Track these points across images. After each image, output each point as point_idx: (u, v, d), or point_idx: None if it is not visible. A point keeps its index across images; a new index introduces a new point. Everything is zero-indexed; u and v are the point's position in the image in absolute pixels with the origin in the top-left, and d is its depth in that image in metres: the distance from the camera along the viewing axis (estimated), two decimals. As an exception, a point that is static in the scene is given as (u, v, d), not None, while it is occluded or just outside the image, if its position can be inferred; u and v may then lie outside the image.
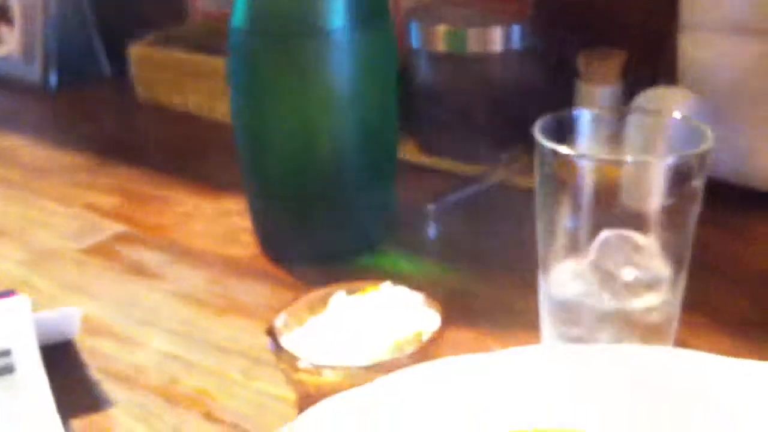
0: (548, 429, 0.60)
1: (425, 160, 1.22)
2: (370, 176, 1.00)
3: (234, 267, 1.01)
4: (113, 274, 1.01)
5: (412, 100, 1.19)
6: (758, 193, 1.05)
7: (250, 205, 1.03)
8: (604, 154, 0.76)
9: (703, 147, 0.70)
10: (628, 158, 0.74)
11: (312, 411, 0.64)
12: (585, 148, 0.77)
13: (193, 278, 1.00)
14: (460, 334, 0.80)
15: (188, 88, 1.50)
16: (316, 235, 1.00)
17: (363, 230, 1.01)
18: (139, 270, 1.02)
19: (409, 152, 1.21)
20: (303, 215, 0.99)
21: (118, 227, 1.12)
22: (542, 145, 0.73)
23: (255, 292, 0.95)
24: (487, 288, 0.92)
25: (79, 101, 1.62)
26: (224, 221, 1.12)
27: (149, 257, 1.05)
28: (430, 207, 1.09)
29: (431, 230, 1.08)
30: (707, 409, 0.64)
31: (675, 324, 0.77)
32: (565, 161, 0.72)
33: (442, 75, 1.21)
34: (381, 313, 0.77)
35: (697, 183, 0.71)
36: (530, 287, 0.80)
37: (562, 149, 0.71)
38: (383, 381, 0.67)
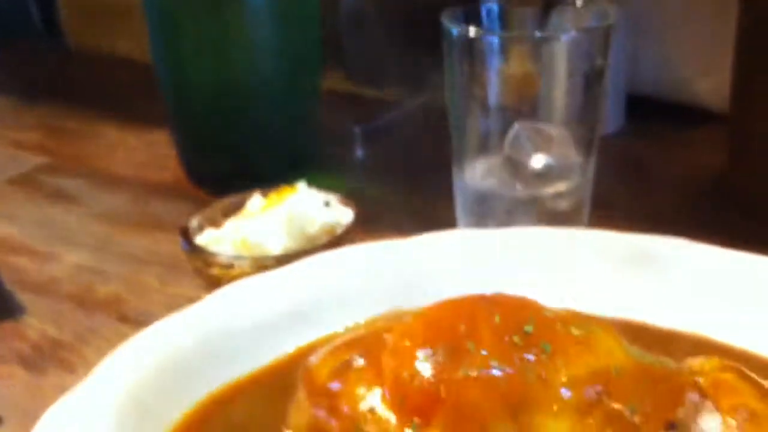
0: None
1: (353, 87, 1.22)
2: (291, 99, 0.99)
3: (155, 189, 1.01)
4: (33, 200, 1.00)
5: (338, 29, 1.18)
6: (679, 104, 1.06)
7: (173, 131, 1.02)
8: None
9: (605, 23, 0.70)
10: (536, 33, 0.73)
11: (219, 292, 0.64)
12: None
13: (112, 200, 0.99)
14: (377, 234, 0.80)
15: (118, 34, 1.48)
16: (238, 157, 0.99)
17: (285, 152, 1.01)
18: (58, 196, 1.01)
19: (337, 81, 1.20)
20: (225, 137, 0.98)
21: (41, 159, 1.11)
22: (449, 32, 0.73)
23: (176, 211, 0.94)
24: (407, 198, 0.92)
25: (10, 51, 1.59)
26: (149, 150, 1.11)
27: (69, 184, 1.04)
28: (357, 129, 1.09)
29: (358, 151, 1.07)
30: (604, 281, 0.65)
31: (585, 211, 0.77)
32: (473, 47, 0.72)
33: (366, 4, 1.21)
34: (296, 211, 0.77)
35: (601, 62, 0.72)
36: (450, 197, 0.80)
37: (471, 30, 0.71)
38: (292, 267, 0.67)
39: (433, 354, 0.46)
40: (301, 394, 0.51)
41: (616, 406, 0.43)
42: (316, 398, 0.49)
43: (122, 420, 0.52)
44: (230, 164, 1.00)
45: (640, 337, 0.53)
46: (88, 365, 0.68)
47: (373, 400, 0.46)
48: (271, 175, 0.94)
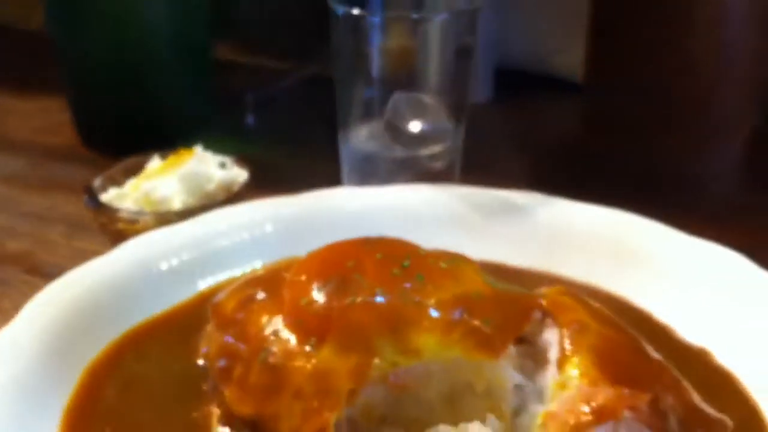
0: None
1: (244, 57, 1.28)
2: (182, 67, 1.05)
3: (53, 153, 1.05)
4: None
5: (229, 2, 1.24)
6: (542, 76, 1.17)
7: (69, 98, 1.06)
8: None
9: (473, 7, 0.80)
10: (412, 14, 0.82)
11: (130, 241, 0.70)
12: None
13: (11, 163, 1.03)
14: (269, 192, 0.87)
15: (7, 2, 1.49)
16: (132, 123, 1.04)
17: (179, 117, 1.06)
18: (-44, 159, 1.04)
19: (231, 50, 1.26)
20: (119, 104, 1.03)
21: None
22: (335, 11, 0.81)
23: (74, 173, 0.99)
24: (297, 161, 0.99)
25: None
26: (43, 116, 1.15)
27: (-33, 148, 1.06)
28: (249, 97, 1.16)
29: (249, 118, 1.14)
30: (471, 229, 0.75)
31: (457, 171, 0.87)
32: (357, 25, 0.80)
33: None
34: (194, 171, 0.83)
35: (470, 40, 0.81)
36: (335, 158, 0.88)
37: (355, 11, 0.79)
38: (193, 220, 0.74)
39: (325, 285, 0.54)
40: (211, 327, 0.59)
41: (476, 323, 0.53)
42: (224, 328, 0.57)
43: (44, 359, 0.59)
44: (124, 129, 1.05)
45: (498, 273, 0.63)
46: (4, 314, 0.74)
47: (275, 324, 0.54)
48: (166, 139, 0.99)
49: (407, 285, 0.54)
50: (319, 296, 0.54)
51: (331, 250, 0.59)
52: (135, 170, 0.86)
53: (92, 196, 0.81)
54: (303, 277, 0.56)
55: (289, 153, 1.02)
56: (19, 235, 0.88)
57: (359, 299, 0.53)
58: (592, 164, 0.98)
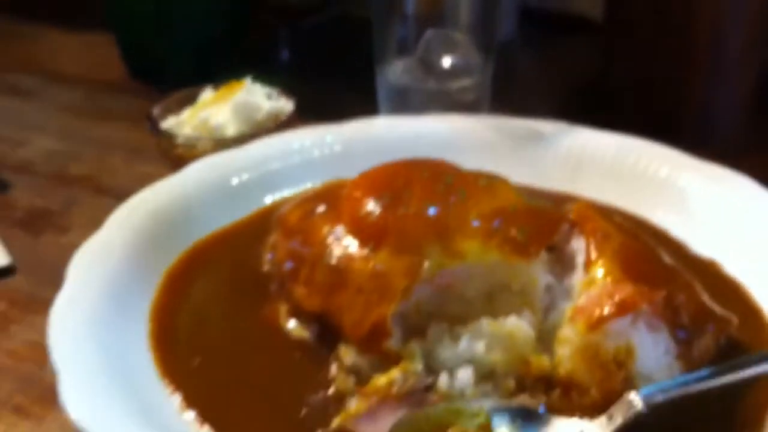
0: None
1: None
2: (225, 6, 1.11)
3: (104, 86, 1.12)
4: (-9, 96, 1.09)
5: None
6: (563, 15, 1.23)
7: (117, 33, 1.13)
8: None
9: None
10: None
11: (188, 168, 0.78)
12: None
13: (67, 95, 1.10)
14: (313, 121, 0.94)
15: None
16: (180, 57, 1.11)
17: (222, 48, 1.13)
18: (15, 92, 1.11)
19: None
20: (164, 38, 1.10)
21: (-10, 59, 1.20)
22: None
23: (127, 104, 1.07)
24: (336, 92, 1.06)
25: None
26: (91, 51, 1.22)
27: (23, 81, 1.14)
28: (283, 32, 1.22)
29: (284, 53, 1.21)
30: (503, 154, 0.82)
31: (486, 102, 0.94)
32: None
33: None
34: (245, 101, 0.91)
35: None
36: (370, 90, 0.94)
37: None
38: (249, 146, 0.82)
39: (380, 199, 0.62)
40: (277, 236, 0.67)
41: (512, 231, 0.61)
42: (290, 236, 0.65)
43: (129, 263, 0.67)
44: (169, 63, 1.12)
45: (529, 194, 0.71)
46: (79, 228, 0.82)
47: (337, 232, 0.62)
48: (208, 71, 1.06)
49: (451, 199, 0.62)
50: (375, 208, 0.62)
51: (383, 170, 0.66)
52: (189, 101, 0.93)
53: (153, 123, 0.89)
54: (358, 193, 0.64)
55: (328, 85, 1.08)
56: (83, 160, 0.95)
57: (411, 210, 0.61)
58: (611, 98, 1.04)
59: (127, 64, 1.15)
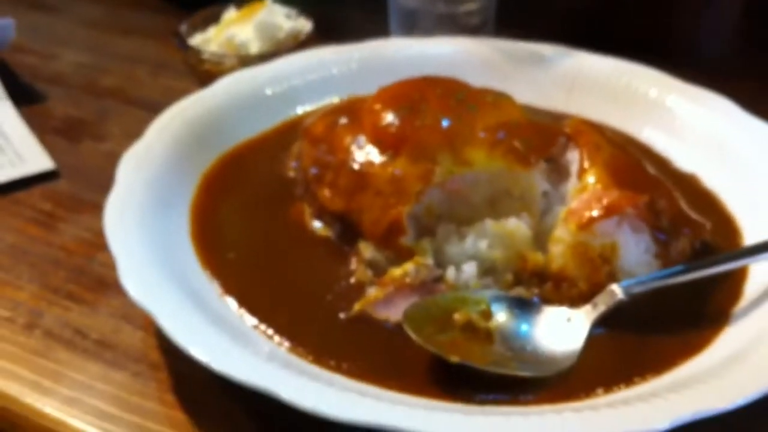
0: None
1: None
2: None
3: (128, 2, 1.17)
4: (18, 9, 1.14)
5: None
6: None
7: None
8: None
9: None
10: None
11: (218, 82, 0.84)
12: None
13: (92, 10, 1.16)
14: (330, 40, 0.99)
15: None
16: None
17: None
18: (41, 6, 1.16)
19: None
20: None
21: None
22: None
23: (153, 21, 1.12)
24: (349, 13, 1.11)
25: None
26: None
27: (48, -6, 1.19)
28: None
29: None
30: (506, 74, 0.89)
31: (491, 27, 1.00)
32: None
33: None
34: (267, 20, 0.97)
35: None
36: (381, 12, 1.00)
37: None
38: (272, 63, 0.88)
39: (398, 112, 0.70)
40: (301, 145, 0.75)
41: (514, 142, 0.68)
42: (316, 144, 0.73)
43: (170, 166, 0.74)
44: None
45: (529, 111, 0.78)
46: (114, 136, 0.90)
47: (359, 141, 0.70)
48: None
49: (462, 113, 0.70)
50: (394, 120, 0.69)
51: (400, 86, 0.73)
52: (213, 19, 0.99)
53: (181, 40, 0.95)
54: (378, 106, 0.71)
55: (342, 6, 1.13)
56: (111, 73, 1.02)
57: (426, 122, 0.68)
58: (608, 22, 1.10)
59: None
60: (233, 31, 0.95)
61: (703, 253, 0.68)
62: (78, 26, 1.12)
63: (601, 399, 0.57)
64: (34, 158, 0.85)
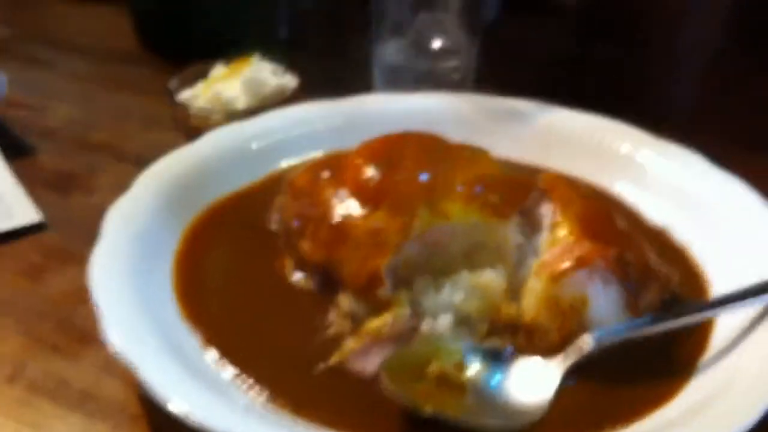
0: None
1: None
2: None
3: (117, 57, 1.21)
4: (13, 66, 1.16)
5: None
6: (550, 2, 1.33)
7: (130, 5, 1.21)
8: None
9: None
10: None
11: (204, 137, 0.87)
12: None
13: (82, 65, 1.19)
14: (315, 95, 1.02)
15: None
16: (189, 28, 1.19)
17: (228, 23, 1.21)
18: (34, 61, 1.19)
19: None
20: (177, 9, 1.18)
21: (3, 31, 1.27)
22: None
23: (143, 76, 1.15)
24: (330, 69, 1.15)
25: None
26: (101, 20, 1.30)
27: (40, 51, 1.22)
28: (282, 11, 1.30)
29: (283, 28, 1.29)
30: (484, 129, 0.92)
31: (469, 84, 1.03)
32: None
33: None
34: (253, 77, 0.99)
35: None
36: (365, 68, 1.03)
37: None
38: (258, 118, 0.91)
39: (379, 166, 0.72)
40: (286, 197, 0.77)
41: (490, 196, 0.70)
42: (298, 198, 0.75)
43: (156, 219, 0.76)
44: (180, 36, 1.20)
45: (505, 165, 0.80)
46: (104, 190, 0.92)
47: (340, 195, 0.72)
48: (216, 45, 1.13)
49: (439, 167, 0.72)
50: (374, 174, 0.71)
51: (381, 141, 0.76)
52: (202, 75, 1.02)
53: (171, 95, 0.98)
54: (360, 161, 0.73)
55: (327, 61, 1.17)
56: (102, 127, 1.04)
57: (405, 176, 0.71)
58: (582, 75, 1.13)
59: (139, 35, 1.23)
60: (221, 87, 0.98)
61: (671, 305, 0.70)
62: (70, 81, 1.15)
63: (572, 449, 0.58)
64: (24, 211, 0.88)
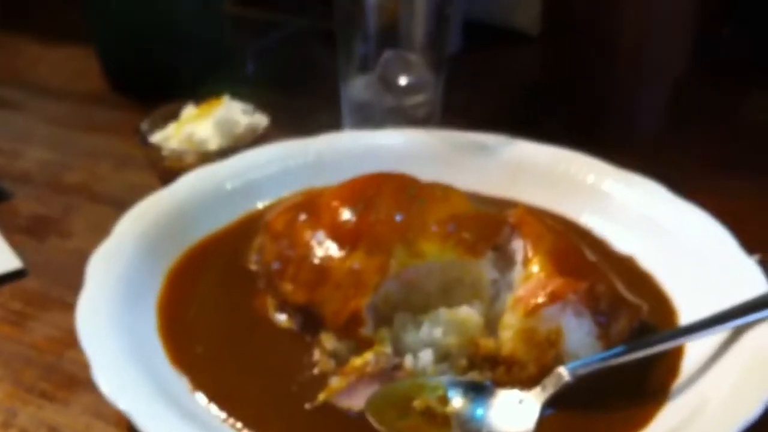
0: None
1: (245, 10, 1.44)
2: (199, 17, 1.22)
3: (87, 98, 1.22)
4: (-20, 108, 1.18)
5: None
6: (504, 29, 1.36)
7: (98, 48, 1.23)
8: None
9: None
10: (401, -8, 1.01)
11: (180, 179, 0.89)
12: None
13: (53, 108, 1.20)
14: (286, 133, 1.04)
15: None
16: (157, 67, 1.21)
17: (196, 63, 1.24)
18: (5, 104, 1.20)
19: (228, 4, 1.42)
20: (144, 53, 1.20)
21: (-29, 73, 1.28)
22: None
23: (114, 117, 1.17)
24: (299, 106, 1.16)
25: None
26: (71, 63, 1.31)
27: (9, 94, 1.23)
28: (250, 48, 1.33)
29: (249, 67, 1.31)
30: (452, 164, 0.95)
31: (437, 117, 1.06)
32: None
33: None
34: (224, 117, 1.01)
35: (449, 11, 1.00)
36: (334, 105, 1.06)
37: (354, -13, 0.97)
38: (232, 158, 0.93)
39: (355, 207, 0.74)
40: (265, 239, 0.79)
41: (464, 234, 0.73)
42: (277, 240, 0.77)
43: (138, 262, 0.78)
44: (149, 77, 1.22)
45: (473, 199, 0.83)
46: (80, 233, 0.93)
47: (318, 237, 0.74)
48: (184, 85, 1.16)
49: (413, 207, 0.74)
50: (350, 216, 0.74)
51: (355, 182, 0.78)
52: (173, 116, 1.04)
53: (143, 137, 0.99)
54: (336, 203, 0.76)
55: (294, 97, 1.19)
56: (75, 169, 1.05)
57: (381, 217, 0.73)
58: (547, 105, 1.17)
59: (108, 77, 1.24)
60: (192, 128, 1.00)
61: (642, 333, 0.73)
62: (41, 123, 1.16)
63: (553, 477, 0.61)
64: (3, 258, 0.88)
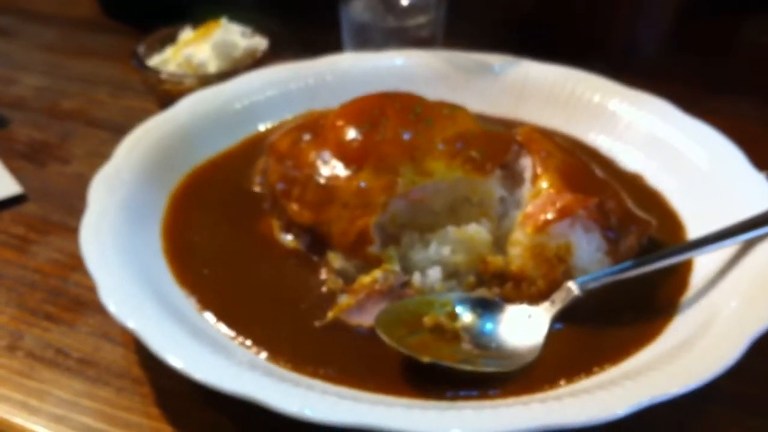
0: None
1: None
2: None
3: (80, 24, 1.19)
4: (-30, 34, 1.16)
5: None
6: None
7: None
8: None
9: None
10: None
11: (181, 101, 0.87)
12: None
13: (47, 33, 1.17)
14: (286, 56, 1.02)
15: None
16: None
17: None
18: (-4, 31, 1.18)
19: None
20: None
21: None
22: None
23: (109, 42, 1.14)
24: (302, 29, 1.14)
25: None
26: (61, -11, 1.28)
27: (1, 20, 1.20)
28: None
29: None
30: (456, 84, 0.93)
31: (439, 39, 1.04)
32: None
33: None
34: (223, 40, 0.99)
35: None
36: (334, 27, 1.04)
37: None
38: (232, 81, 0.91)
39: (360, 127, 0.73)
40: (269, 161, 0.78)
41: (471, 152, 0.72)
42: (281, 161, 0.76)
43: (140, 186, 0.76)
44: (143, 1, 1.19)
45: (481, 120, 0.82)
46: (79, 158, 0.92)
47: (323, 156, 0.73)
48: (176, 10, 1.13)
49: (420, 126, 0.73)
50: (356, 135, 0.73)
51: (360, 102, 0.77)
52: (170, 39, 1.02)
53: (140, 60, 0.97)
54: (341, 122, 0.74)
55: (294, 21, 1.16)
56: (71, 95, 1.04)
57: (387, 136, 0.72)
58: (547, 33, 1.15)
59: (101, 3, 1.21)
60: (191, 51, 0.98)
61: (650, 249, 0.72)
62: (35, 50, 1.13)
63: (564, 389, 0.61)
64: (2, 183, 0.87)
